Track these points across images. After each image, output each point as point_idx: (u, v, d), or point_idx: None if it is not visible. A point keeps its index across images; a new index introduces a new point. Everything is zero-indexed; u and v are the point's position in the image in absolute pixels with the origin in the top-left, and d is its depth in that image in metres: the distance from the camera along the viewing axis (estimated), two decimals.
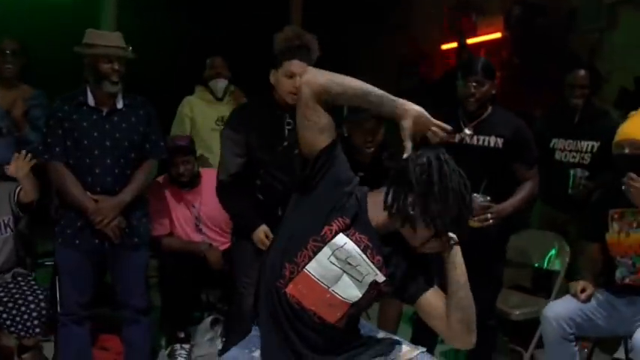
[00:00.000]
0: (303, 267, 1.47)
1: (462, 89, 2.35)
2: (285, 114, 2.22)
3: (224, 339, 2.75)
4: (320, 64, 1.75)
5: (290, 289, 1.48)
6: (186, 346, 2.81)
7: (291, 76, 2.14)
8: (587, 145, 2.96)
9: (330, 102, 1.46)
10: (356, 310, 1.53)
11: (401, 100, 1.46)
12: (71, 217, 2.35)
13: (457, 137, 2.38)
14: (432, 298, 1.49)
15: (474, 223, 2.21)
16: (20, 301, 2.35)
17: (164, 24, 5.59)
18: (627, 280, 2.31)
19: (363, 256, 1.47)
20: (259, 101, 2.35)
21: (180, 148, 2.85)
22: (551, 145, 3.06)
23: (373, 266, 1.47)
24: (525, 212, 3.12)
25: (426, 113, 1.46)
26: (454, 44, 5.41)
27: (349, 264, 1.47)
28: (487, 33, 5.14)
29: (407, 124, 1.43)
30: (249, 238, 2.25)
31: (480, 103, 2.35)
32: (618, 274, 2.34)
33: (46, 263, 3.01)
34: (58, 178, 2.33)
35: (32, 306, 2.34)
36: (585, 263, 2.52)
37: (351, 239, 1.46)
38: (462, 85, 2.35)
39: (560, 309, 2.34)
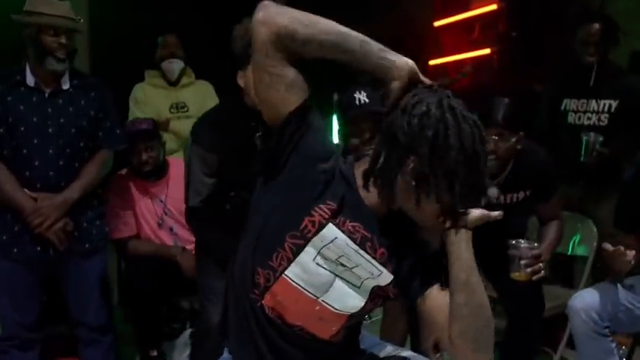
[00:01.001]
0: (282, 272, 1.15)
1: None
2: (258, 126, 1.82)
3: None
4: None
5: (267, 301, 1.17)
6: None
7: None
8: (605, 104, 2.62)
9: (293, 52, 1.09)
10: (356, 320, 1.24)
11: (392, 54, 1.11)
12: (6, 221, 1.96)
13: (482, 201, 2.00)
14: (438, 298, 1.14)
15: (523, 276, 1.83)
16: None
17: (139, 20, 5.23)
18: None
19: (361, 251, 1.15)
20: (228, 110, 1.96)
21: (141, 132, 2.45)
22: (563, 106, 2.72)
23: (376, 263, 1.16)
24: None
25: (417, 69, 1.12)
26: (447, 20, 5.09)
27: (342, 265, 1.15)
28: (481, 6, 4.80)
29: (398, 86, 1.09)
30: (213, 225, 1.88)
31: (502, 162, 1.96)
32: None
33: None
34: None
35: None
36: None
37: (342, 230, 1.14)
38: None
39: (589, 299, 2.02)
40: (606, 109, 2.63)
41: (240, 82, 1.85)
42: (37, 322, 2.05)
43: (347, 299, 1.17)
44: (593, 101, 2.65)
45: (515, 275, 1.83)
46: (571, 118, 2.71)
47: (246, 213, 1.69)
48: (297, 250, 1.14)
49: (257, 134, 1.84)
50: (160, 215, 2.56)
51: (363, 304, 1.18)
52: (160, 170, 2.52)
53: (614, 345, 2.02)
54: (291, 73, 1.11)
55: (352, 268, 1.15)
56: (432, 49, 5.13)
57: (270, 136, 1.15)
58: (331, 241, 1.13)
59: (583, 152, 2.54)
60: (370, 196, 1.14)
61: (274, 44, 1.07)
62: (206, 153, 1.87)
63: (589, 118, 2.66)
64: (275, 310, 1.17)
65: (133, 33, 4.46)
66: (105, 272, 2.17)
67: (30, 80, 1.97)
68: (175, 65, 3.03)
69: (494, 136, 1.90)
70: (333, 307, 1.17)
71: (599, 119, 2.64)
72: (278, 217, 1.15)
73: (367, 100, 1.90)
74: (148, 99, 3.02)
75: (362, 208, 1.14)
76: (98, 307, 2.10)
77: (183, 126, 2.89)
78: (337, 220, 1.13)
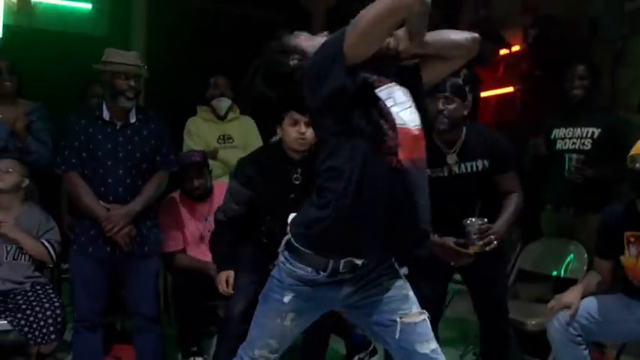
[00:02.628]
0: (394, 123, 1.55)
1: (431, 109, 2.30)
2: (296, 169, 2.38)
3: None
4: None
5: (401, 155, 1.53)
6: (200, 359, 2.88)
7: (295, 123, 2.31)
8: (587, 131, 3.00)
9: None
10: None
11: None
12: (85, 226, 2.50)
13: (445, 170, 2.40)
14: None
15: (477, 248, 2.27)
16: (37, 309, 2.49)
17: (192, 51, 5.86)
18: None
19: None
20: (268, 155, 2.50)
21: (194, 163, 2.98)
22: (552, 136, 3.10)
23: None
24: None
25: None
26: None
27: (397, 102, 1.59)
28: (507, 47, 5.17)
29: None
30: (247, 241, 2.39)
31: (451, 121, 2.35)
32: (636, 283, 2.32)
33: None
34: (73, 188, 2.49)
35: (48, 313, 2.47)
36: (589, 279, 2.49)
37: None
38: (430, 106, 2.30)
39: (564, 311, 2.32)
40: (589, 135, 2.98)
41: (279, 133, 2.41)
42: (103, 309, 2.56)
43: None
44: (578, 129, 3.02)
45: (472, 249, 2.27)
46: (559, 145, 3.07)
47: (275, 234, 2.28)
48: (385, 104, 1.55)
49: (294, 175, 2.39)
50: (203, 231, 3.04)
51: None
52: (206, 193, 3.03)
53: (586, 352, 2.29)
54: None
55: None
56: None
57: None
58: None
59: (567, 169, 2.90)
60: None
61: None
62: (240, 187, 2.44)
63: (574, 143, 3.02)
64: (409, 158, 1.52)
65: (188, 73, 5.09)
66: (158, 271, 2.66)
67: (106, 115, 2.53)
68: (224, 103, 3.59)
69: (442, 100, 2.33)
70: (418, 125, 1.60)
71: (582, 144, 2.99)
72: None
73: None
74: (200, 131, 3.56)
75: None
76: (152, 300, 2.60)
77: (229, 155, 3.43)
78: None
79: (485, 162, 2.41)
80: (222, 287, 2.45)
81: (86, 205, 2.46)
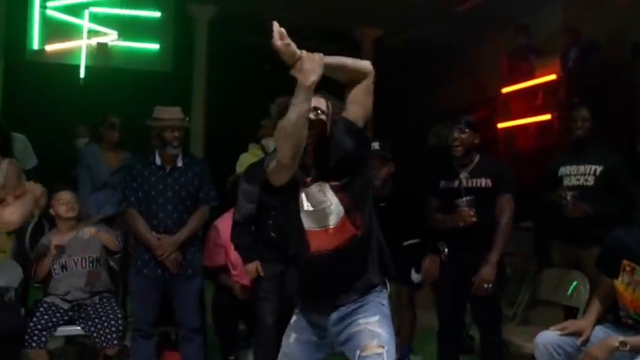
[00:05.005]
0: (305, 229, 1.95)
1: (449, 137, 2.99)
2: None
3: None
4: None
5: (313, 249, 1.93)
6: None
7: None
8: (590, 168, 3.24)
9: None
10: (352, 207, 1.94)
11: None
12: (141, 251, 3.09)
13: (455, 182, 3.00)
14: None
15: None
16: (104, 318, 3.09)
17: (249, 81, 6.48)
18: (630, 322, 2.49)
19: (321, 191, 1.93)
20: (271, 157, 2.99)
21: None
22: (559, 174, 3.36)
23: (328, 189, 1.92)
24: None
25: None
26: (515, 87, 5.71)
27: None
28: (543, 75, 5.40)
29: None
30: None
31: (465, 148, 2.94)
32: (622, 313, 2.55)
33: None
34: (131, 221, 3.10)
35: (112, 322, 3.07)
36: (598, 293, 2.70)
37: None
38: (449, 134, 3.00)
39: (550, 336, 2.55)
40: (592, 172, 3.22)
41: None
42: (155, 321, 3.14)
43: (336, 214, 1.92)
44: (582, 166, 3.27)
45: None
46: (565, 181, 3.31)
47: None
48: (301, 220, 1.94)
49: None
50: None
51: (342, 207, 1.91)
52: None
53: None
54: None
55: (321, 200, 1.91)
56: (500, 113, 5.77)
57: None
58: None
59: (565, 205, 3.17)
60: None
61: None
62: (250, 187, 2.92)
63: (577, 180, 3.26)
64: (317, 251, 1.91)
65: (246, 101, 5.68)
66: (201, 291, 3.23)
67: (158, 161, 3.12)
68: (272, 142, 4.12)
69: (457, 130, 2.95)
70: (334, 224, 1.92)
71: (586, 180, 3.23)
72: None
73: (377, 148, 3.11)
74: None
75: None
76: (194, 313, 3.15)
77: None
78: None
79: (489, 181, 2.97)
80: (252, 275, 2.94)
81: (142, 235, 3.06)
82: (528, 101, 5.53)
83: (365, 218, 1.96)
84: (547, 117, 5.33)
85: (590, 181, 3.26)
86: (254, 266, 2.94)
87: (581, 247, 3.30)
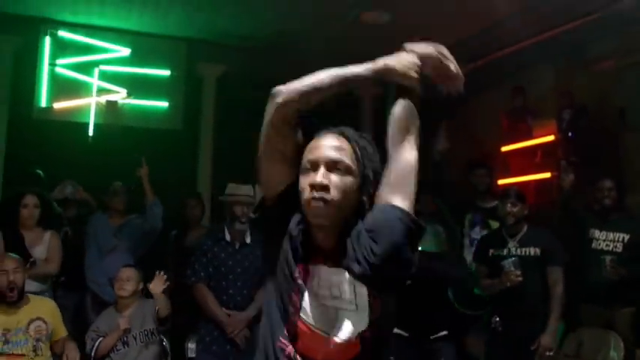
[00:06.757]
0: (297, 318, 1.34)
1: (501, 210, 3.37)
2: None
3: None
4: None
5: (298, 347, 1.34)
6: None
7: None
8: (619, 236, 3.75)
9: (296, 111, 1.35)
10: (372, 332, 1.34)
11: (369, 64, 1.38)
12: (210, 328, 3.23)
13: (504, 251, 3.40)
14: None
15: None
16: None
17: (256, 140, 6.68)
18: None
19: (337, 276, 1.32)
20: None
21: None
22: (590, 235, 3.83)
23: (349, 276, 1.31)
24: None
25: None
26: (513, 146, 6.13)
27: (334, 296, 1.33)
28: (542, 135, 5.85)
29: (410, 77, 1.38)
30: None
31: (516, 219, 3.30)
32: None
33: None
34: (200, 296, 3.24)
35: None
36: None
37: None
38: (501, 207, 3.37)
39: None
40: (620, 239, 3.72)
41: None
42: None
43: (355, 326, 1.30)
44: (611, 233, 3.76)
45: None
46: (594, 244, 3.80)
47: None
48: (300, 298, 1.33)
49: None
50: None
51: (367, 319, 1.30)
52: None
53: None
54: (290, 145, 1.34)
55: (342, 294, 1.30)
56: (500, 170, 6.16)
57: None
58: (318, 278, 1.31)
59: (602, 268, 3.60)
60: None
61: (286, 118, 1.31)
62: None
63: (607, 245, 3.77)
64: (302, 354, 1.32)
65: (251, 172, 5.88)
66: None
67: (227, 237, 3.29)
68: None
69: (509, 204, 3.32)
70: (345, 339, 1.31)
71: (615, 247, 3.74)
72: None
73: None
74: None
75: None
76: None
77: None
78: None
79: (538, 250, 3.34)
80: None
81: (212, 311, 3.21)
82: (528, 159, 5.93)
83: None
84: (546, 175, 5.74)
85: (619, 247, 3.73)
86: None
87: (611, 308, 3.68)
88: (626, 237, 3.72)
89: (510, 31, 5.11)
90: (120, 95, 6.07)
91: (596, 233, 3.82)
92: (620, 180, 4.23)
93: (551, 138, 5.73)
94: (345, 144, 1.38)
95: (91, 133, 5.94)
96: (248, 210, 3.27)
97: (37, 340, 3.00)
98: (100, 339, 3.17)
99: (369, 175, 1.37)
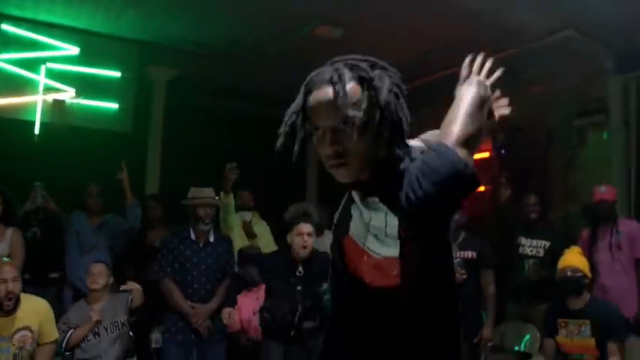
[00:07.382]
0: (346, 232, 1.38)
1: None
2: (298, 265, 3.24)
3: None
4: None
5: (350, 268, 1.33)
6: None
7: (300, 234, 3.15)
8: (541, 242, 4.31)
9: None
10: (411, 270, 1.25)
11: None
12: (176, 319, 3.40)
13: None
14: None
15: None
16: None
17: (206, 143, 6.76)
18: None
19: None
20: (279, 254, 3.43)
21: (249, 256, 3.92)
22: (517, 241, 4.37)
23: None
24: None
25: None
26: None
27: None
28: (477, 152, 6.31)
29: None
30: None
31: (457, 225, 3.78)
32: None
33: None
34: (168, 290, 3.41)
35: None
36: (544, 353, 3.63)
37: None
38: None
39: None
40: (542, 246, 4.27)
41: (288, 239, 3.22)
42: None
43: (384, 246, 1.25)
44: (535, 240, 4.32)
45: None
46: (520, 249, 4.36)
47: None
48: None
49: (298, 270, 3.17)
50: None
51: (397, 250, 1.23)
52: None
53: None
54: None
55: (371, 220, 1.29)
56: None
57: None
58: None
59: (525, 270, 4.19)
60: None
61: None
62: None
63: (531, 251, 4.32)
64: (348, 268, 1.30)
65: (201, 162, 5.96)
66: (226, 353, 3.56)
67: (192, 236, 3.49)
68: (246, 214, 4.56)
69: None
70: (377, 253, 1.25)
71: (537, 252, 4.30)
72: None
73: None
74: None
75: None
76: None
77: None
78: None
79: (474, 254, 3.87)
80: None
81: (178, 304, 3.38)
82: None
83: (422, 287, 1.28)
84: (481, 189, 6.22)
85: (541, 252, 4.29)
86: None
87: (530, 304, 4.16)
88: (547, 244, 4.30)
89: (451, 55, 5.51)
90: (68, 94, 6.02)
91: (523, 240, 4.38)
92: (544, 195, 4.80)
93: (486, 155, 6.23)
94: (341, 89, 1.27)
95: (37, 131, 5.86)
96: (210, 211, 3.47)
97: (20, 348, 3.01)
98: (71, 330, 3.25)
99: (389, 102, 1.32)
